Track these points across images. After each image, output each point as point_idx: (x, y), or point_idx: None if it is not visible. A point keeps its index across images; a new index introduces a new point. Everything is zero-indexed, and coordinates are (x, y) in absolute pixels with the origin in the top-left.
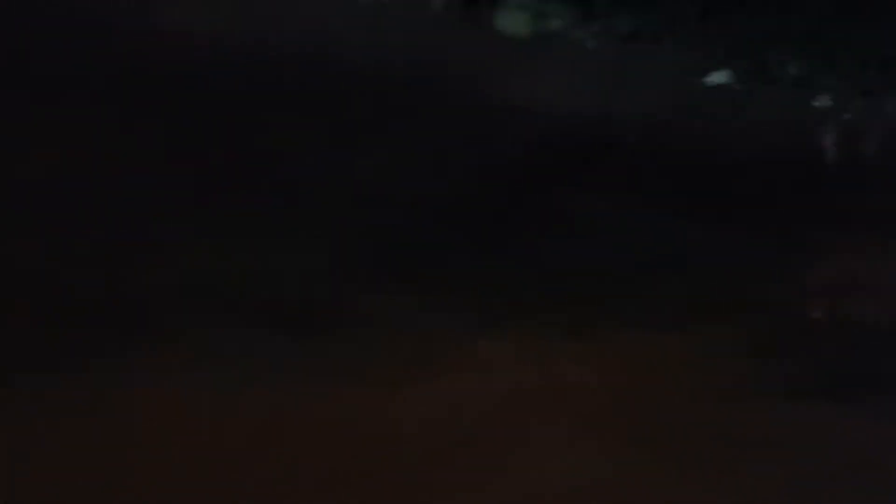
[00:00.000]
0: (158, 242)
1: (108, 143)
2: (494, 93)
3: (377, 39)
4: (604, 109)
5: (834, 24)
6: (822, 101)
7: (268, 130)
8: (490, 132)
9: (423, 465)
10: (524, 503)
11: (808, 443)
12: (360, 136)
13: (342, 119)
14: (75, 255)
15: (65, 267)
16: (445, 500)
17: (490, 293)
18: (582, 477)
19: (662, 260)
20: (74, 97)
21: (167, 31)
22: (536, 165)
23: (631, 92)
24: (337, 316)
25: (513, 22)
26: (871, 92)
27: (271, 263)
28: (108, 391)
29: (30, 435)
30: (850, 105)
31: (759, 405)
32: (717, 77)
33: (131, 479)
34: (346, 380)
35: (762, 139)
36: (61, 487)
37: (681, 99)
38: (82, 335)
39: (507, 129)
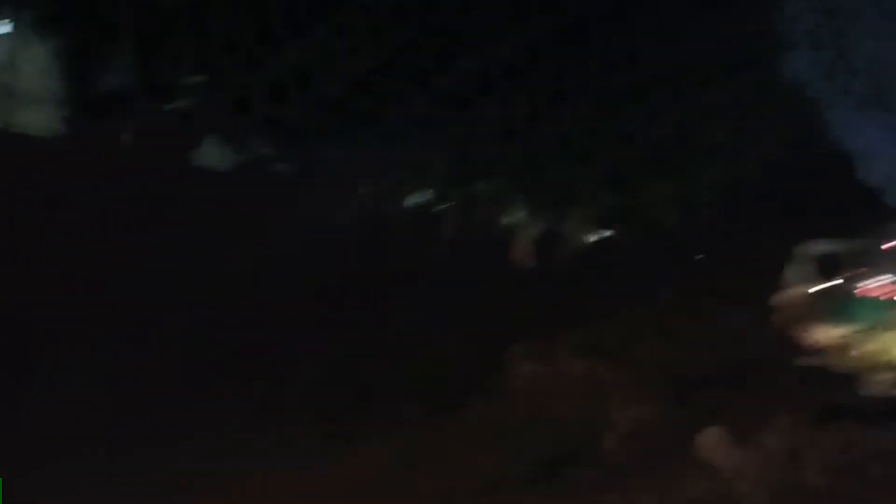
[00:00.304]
0: None
1: None
2: (186, 225)
3: None
4: (298, 235)
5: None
6: (515, 217)
7: None
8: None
9: None
10: None
11: None
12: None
13: None
14: None
15: None
16: None
17: None
18: None
19: None
20: None
21: None
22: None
23: (327, 216)
24: None
25: (212, 156)
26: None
27: None
28: None
29: None
30: (541, 218)
31: None
32: (418, 197)
33: None
34: None
35: (458, 255)
36: None
37: (381, 220)
38: None
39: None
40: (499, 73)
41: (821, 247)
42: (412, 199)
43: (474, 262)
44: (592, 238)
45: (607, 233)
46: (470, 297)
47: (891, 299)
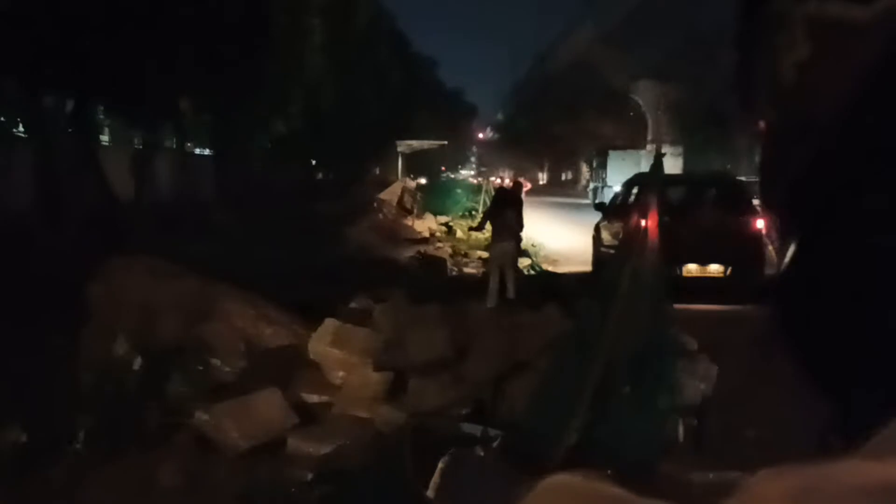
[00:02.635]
0: None
1: None
2: None
3: None
4: None
5: None
6: None
7: None
8: None
9: None
10: None
11: None
12: None
13: None
14: None
15: None
16: None
17: None
18: None
19: None
20: None
21: None
22: None
23: None
24: None
25: None
26: None
27: None
28: None
29: None
30: None
31: None
32: None
33: None
34: None
35: None
36: None
37: None
38: None
39: None
40: None
41: (413, 144)
42: None
43: None
44: None
45: None
46: None
47: (480, 188)
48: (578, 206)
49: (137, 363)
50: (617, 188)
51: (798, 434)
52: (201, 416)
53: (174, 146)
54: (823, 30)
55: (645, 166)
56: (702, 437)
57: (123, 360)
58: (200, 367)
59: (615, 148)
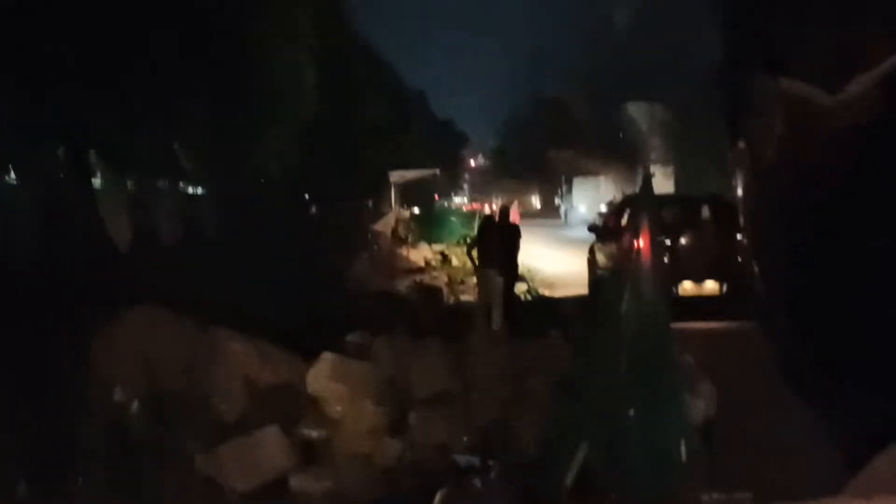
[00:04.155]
0: None
1: None
2: None
3: None
4: None
5: None
6: None
7: None
8: None
9: None
10: None
11: None
12: None
13: None
14: None
15: None
16: None
17: None
18: None
19: None
20: None
21: None
22: None
23: None
24: None
25: None
26: None
27: None
28: None
29: None
30: None
31: None
32: None
33: None
34: None
35: None
36: None
37: None
38: None
39: None
40: None
41: (406, 174)
42: None
43: None
44: None
45: None
46: None
47: (473, 215)
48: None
49: (137, 409)
50: (582, 209)
51: (797, 453)
52: (204, 459)
53: (167, 188)
54: (791, 105)
55: (604, 191)
56: (707, 457)
57: (124, 407)
58: (201, 410)
59: (584, 174)
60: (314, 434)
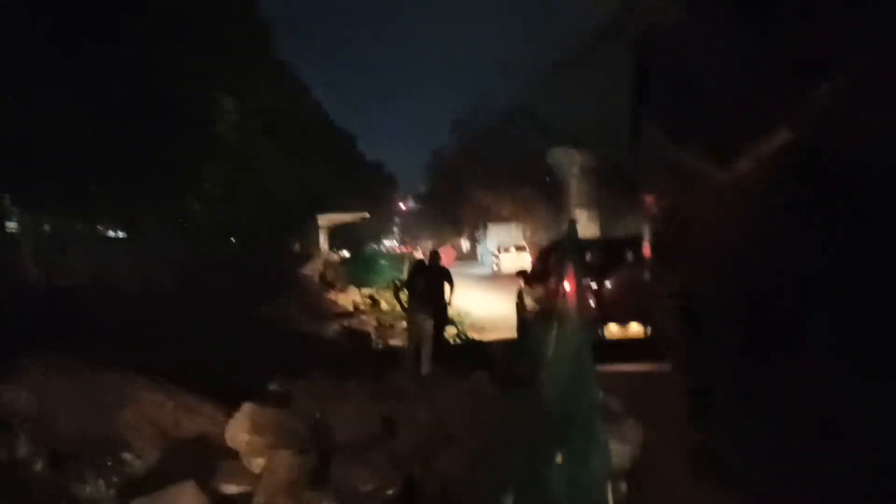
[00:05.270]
0: None
1: None
2: None
3: None
4: None
5: None
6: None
7: None
8: None
9: None
10: None
11: None
12: None
13: None
14: None
15: None
16: None
17: None
18: None
19: None
20: None
21: None
22: None
23: None
24: None
25: None
26: None
27: None
28: None
29: None
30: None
31: None
32: None
33: None
34: None
35: None
36: None
37: None
38: None
39: None
40: None
41: (335, 218)
42: None
43: None
44: None
45: None
46: None
47: (403, 258)
48: (495, 274)
49: (40, 464)
50: (494, 251)
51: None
52: None
53: (82, 230)
54: (681, 176)
55: (516, 235)
56: (632, 500)
57: (25, 461)
58: (111, 463)
59: (503, 219)
60: (234, 489)
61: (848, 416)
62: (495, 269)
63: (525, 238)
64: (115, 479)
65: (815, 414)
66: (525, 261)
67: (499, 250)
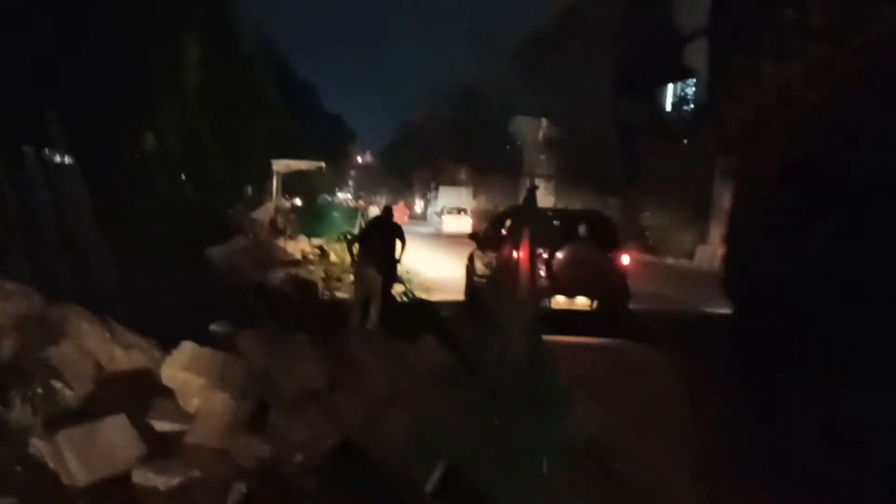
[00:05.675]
0: None
1: None
2: None
3: None
4: None
5: None
6: None
7: None
8: None
9: None
10: None
11: None
12: None
13: None
14: None
15: None
16: None
17: None
18: None
19: None
20: None
21: None
22: None
23: None
24: None
25: None
26: None
27: None
28: None
29: None
30: None
31: None
32: None
33: None
34: None
35: None
36: None
37: None
38: None
39: None
40: None
41: (290, 164)
42: None
43: None
44: None
45: None
46: None
47: (356, 211)
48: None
49: None
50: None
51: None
52: (40, 446)
53: (32, 155)
54: (762, 84)
55: (466, 199)
56: (578, 476)
57: None
58: (42, 392)
59: (450, 184)
60: (166, 426)
61: (848, 416)
62: (437, 229)
63: (478, 203)
64: (44, 407)
65: (803, 409)
66: (465, 223)
67: (442, 211)
